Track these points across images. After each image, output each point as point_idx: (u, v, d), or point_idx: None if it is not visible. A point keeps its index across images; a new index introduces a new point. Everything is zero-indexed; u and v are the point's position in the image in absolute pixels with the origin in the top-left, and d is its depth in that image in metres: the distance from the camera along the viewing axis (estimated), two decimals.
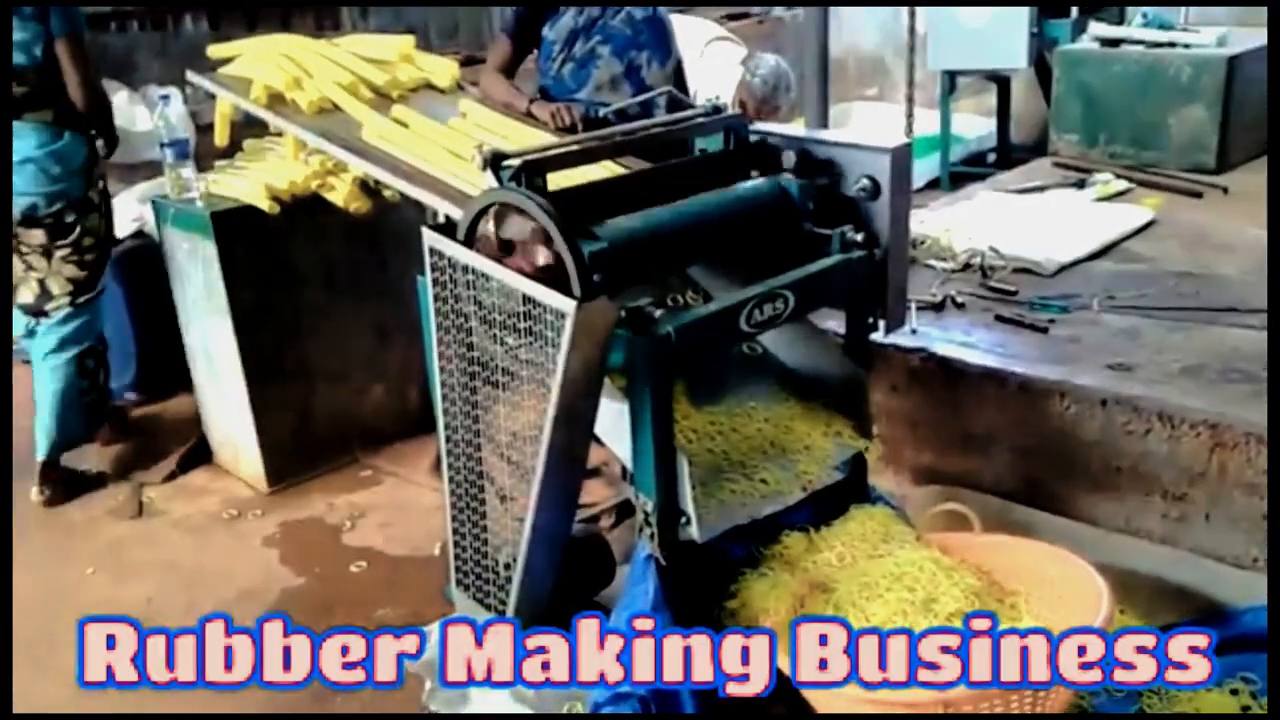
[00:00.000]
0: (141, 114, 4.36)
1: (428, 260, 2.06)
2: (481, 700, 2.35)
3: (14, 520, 3.40)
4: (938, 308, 2.99)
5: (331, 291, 3.47)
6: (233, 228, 3.22)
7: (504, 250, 1.96)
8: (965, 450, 2.68)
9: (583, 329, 1.81)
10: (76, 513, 3.45)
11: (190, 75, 3.08)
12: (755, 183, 2.30)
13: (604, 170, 2.55)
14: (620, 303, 1.90)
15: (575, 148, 2.20)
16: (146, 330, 3.99)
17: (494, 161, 2.03)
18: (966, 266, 3.25)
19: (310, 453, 3.54)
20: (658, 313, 1.91)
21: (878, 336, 2.41)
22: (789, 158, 2.33)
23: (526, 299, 1.87)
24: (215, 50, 3.12)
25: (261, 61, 2.94)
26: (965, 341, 2.75)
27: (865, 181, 2.26)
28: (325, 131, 2.73)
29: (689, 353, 2.00)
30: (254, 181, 3.24)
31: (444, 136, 2.68)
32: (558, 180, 2.38)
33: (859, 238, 2.24)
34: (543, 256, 1.88)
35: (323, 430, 3.56)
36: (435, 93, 3.05)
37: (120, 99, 4.40)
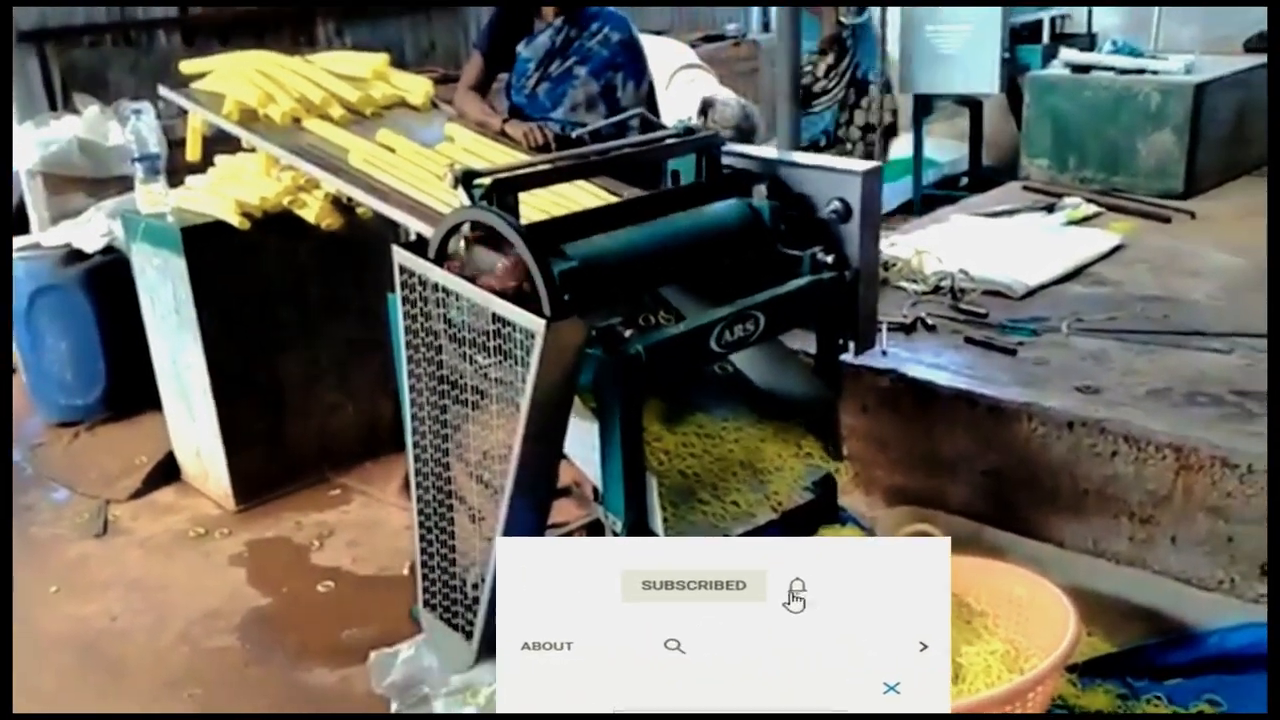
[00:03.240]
0: (113, 129, 4.32)
1: (398, 278, 2.05)
2: None
3: None
4: (908, 329, 3.01)
5: (303, 309, 3.45)
6: (203, 243, 3.20)
7: (474, 268, 1.95)
8: (935, 471, 2.69)
9: (552, 348, 1.80)
10: (40, 530, 3.41)
11: (162, 90, 3.07)
12: (726, 204, 2.31)
13: (578, 190, 2.56)
14: (591, 322, 1.90)
15: (547, 167, 2.20)
16: (115, 346, 3.94)
17: (465, 180, 2.03)
18: (937, 289, 3.27)
19: (279, 471, 3.51)
20: (628, 332, 1.92)
21: (848, 358, 2.42)
22: (761, 181, 2.34)
23: (496, 318, 1.86)
24: (188, 66, 3.11)
25: (234, 77, 2.94)
26: (935, 363, 2.76)
27: (836, 204, 2.28)
28: (298, 148, 2.72)
29: (659, 373, 2.00)
30: (225, 197, 3.22)
31: (430, 161, 2.67)
32: (534, 200, 2.41)
33: (829, 259, 2.25)
34: (512, 275, 1.88)
35: (292, 448, 3.53)
36: (412, 111, 3.05)
37: (92, 113, 4.38)
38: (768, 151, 2.49)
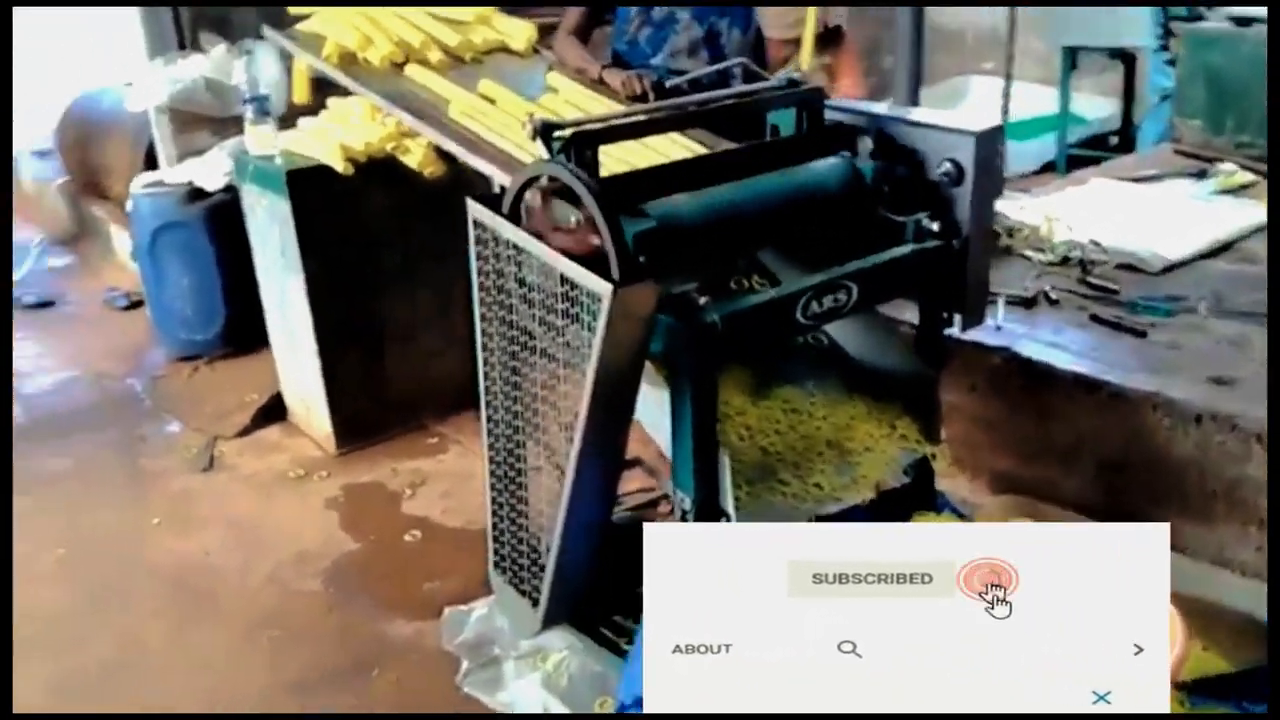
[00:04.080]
0: (238, 68, 4.35)
1: (471, 232, 1.98)
2: (515, 685, 2.30)
3: (92, 466, 3.48)
4: (1029, 304, 2.79)
5: (405, 255, 3.43)
6: (308, 187, 3.19)
7: (548, 226, 1.86)
8: (1046, 461, 2.50)
9: (620, 314, 1.71)
10: (150, 462, 3.51)
11: (267, 31, 3.05)
12: (825, 163, 2.15)
13: (672, 144, 2.44)
14: (671, 286, 1.79)
15: (639, 119, 2.09)
16: (234, 283, 4.01)
17: (544, 132, 1.93)
18: (1065, 260, 3.03)
19: (379, 416, 3.52)
20: (703, 300, 1.80)
21: (954, 332, 2.25)
22: (866, 138, 2.18)
23: (565, 279, 1.77)
24: (294, 8, 3.09)
25: (337, 18, 2.89)
26: (1054, 342, 2.55)
27: (948, 166, 2.10)
28: (395, 95, 2.67)
29: (738, 344, 1.89)
30: (330, 141, 3.20)
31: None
32: (624, 154, 2.31)
33: (935, 227, 2.08)
34: (585, 235, 1.78)
35: (393, 394, 3.54)
36: (513, 57, 2.96)
37: (218, 53, 4.43)
38: (874, 106, 2.30)
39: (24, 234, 6.10)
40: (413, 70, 2.78)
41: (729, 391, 2.14)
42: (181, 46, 4.57)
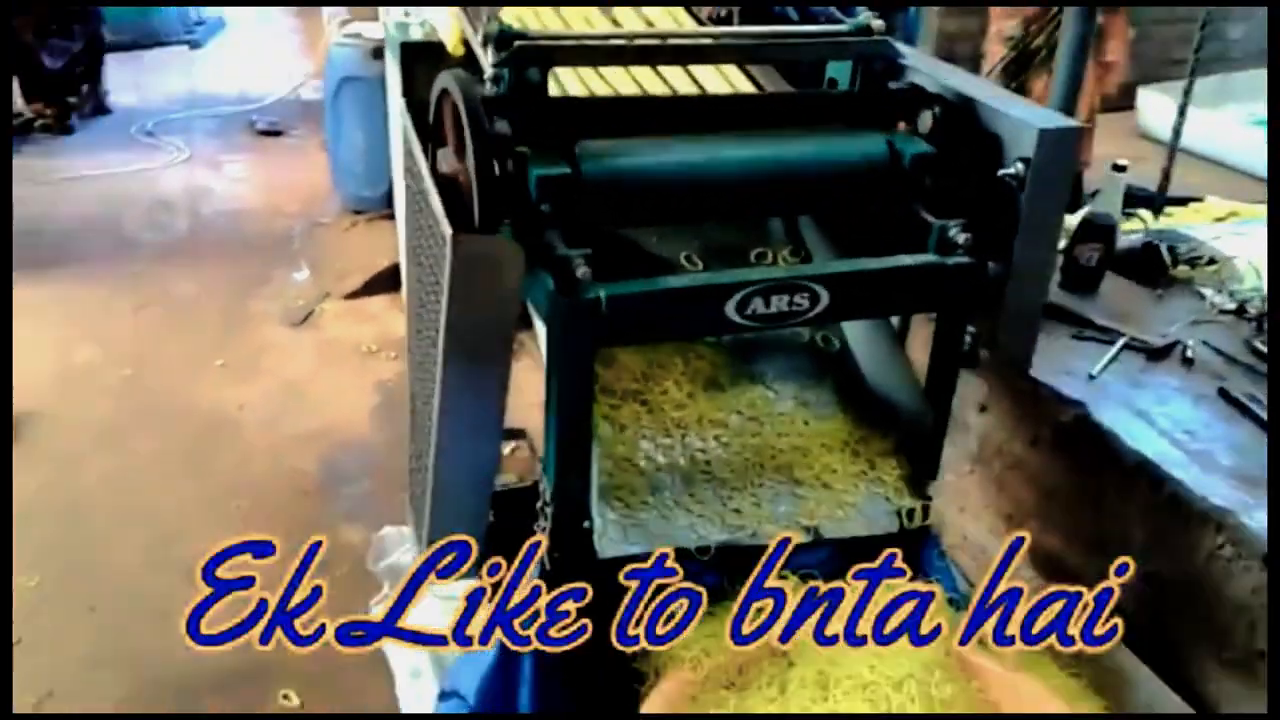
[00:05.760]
0: None
1: (401, 140, 1.77)
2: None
3: (209, 297, 3.61)
4: (1157, 355, 2.23)
5: None
6: (420, 60, 3.02)
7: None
8: (1093, 549, 2.01)
9: (466, 266, 1.45)
10: (258, 304, 3.60)
11: None
12: (851, 136, 1.75)
13: (721, 80, 2.08)
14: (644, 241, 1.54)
15: (616, 43, 1.77)
16: None
17: (499, 41, 1.65)
18: (1241, 309, 2.40)
19: None
20: (580, 270, 1.48)
21: (1036, 373, 1.83)
22: (928, 113, 1.75)
23: (429, 211, 1.53)
24: None
25: None
26: (1143, 411, 2.01)
27: (1017, 166, 1.65)
28: None
29: (631, 330, 1.58)
30: (456, 17, 3.02)
31: (588, 23, 2.28)
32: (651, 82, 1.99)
33: (964, 239, 1.65)
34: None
35: None
36: None
37: None
38: (952, 72, 1.83)
39: (299, 63, 6.44)
40: None
41: (674, 376, 1.84)
42: None
